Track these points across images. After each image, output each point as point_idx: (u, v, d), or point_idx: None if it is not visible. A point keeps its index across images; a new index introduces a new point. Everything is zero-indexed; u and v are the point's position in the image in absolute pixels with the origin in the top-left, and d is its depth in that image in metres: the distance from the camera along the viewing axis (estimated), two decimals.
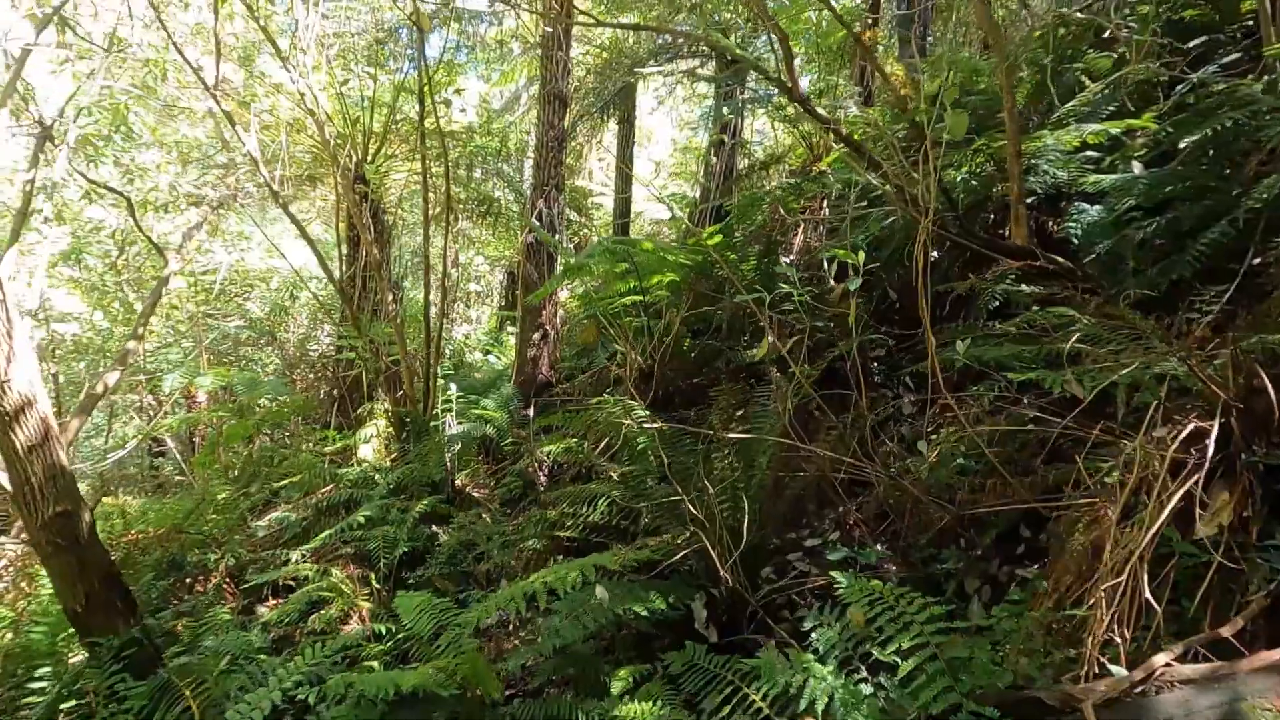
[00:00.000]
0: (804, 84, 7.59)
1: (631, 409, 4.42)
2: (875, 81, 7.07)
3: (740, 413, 3.55)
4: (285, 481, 5.31)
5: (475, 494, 5.96)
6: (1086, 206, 3.47)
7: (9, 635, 3.24)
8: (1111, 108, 3.82)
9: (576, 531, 3.52)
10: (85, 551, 2.83)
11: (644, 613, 2.51)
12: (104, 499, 4.82)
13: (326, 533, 3.87)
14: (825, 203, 6.30)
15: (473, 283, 14.56)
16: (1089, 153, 3.65)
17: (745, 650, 2.57)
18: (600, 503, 3.64)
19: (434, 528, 4.35)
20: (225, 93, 6.73)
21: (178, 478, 8.39)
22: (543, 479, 4.89)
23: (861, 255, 2.79)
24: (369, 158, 7.23)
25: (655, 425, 2.78)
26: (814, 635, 2.26)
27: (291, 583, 3.78)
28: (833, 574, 2.32)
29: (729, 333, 5.47)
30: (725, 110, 6.65)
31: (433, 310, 6.19)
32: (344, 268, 8.21)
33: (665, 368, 5.05)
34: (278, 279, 9.82)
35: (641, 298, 4.56)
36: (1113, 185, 3.17)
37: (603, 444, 4.71)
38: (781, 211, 6.10)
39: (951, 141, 3.11)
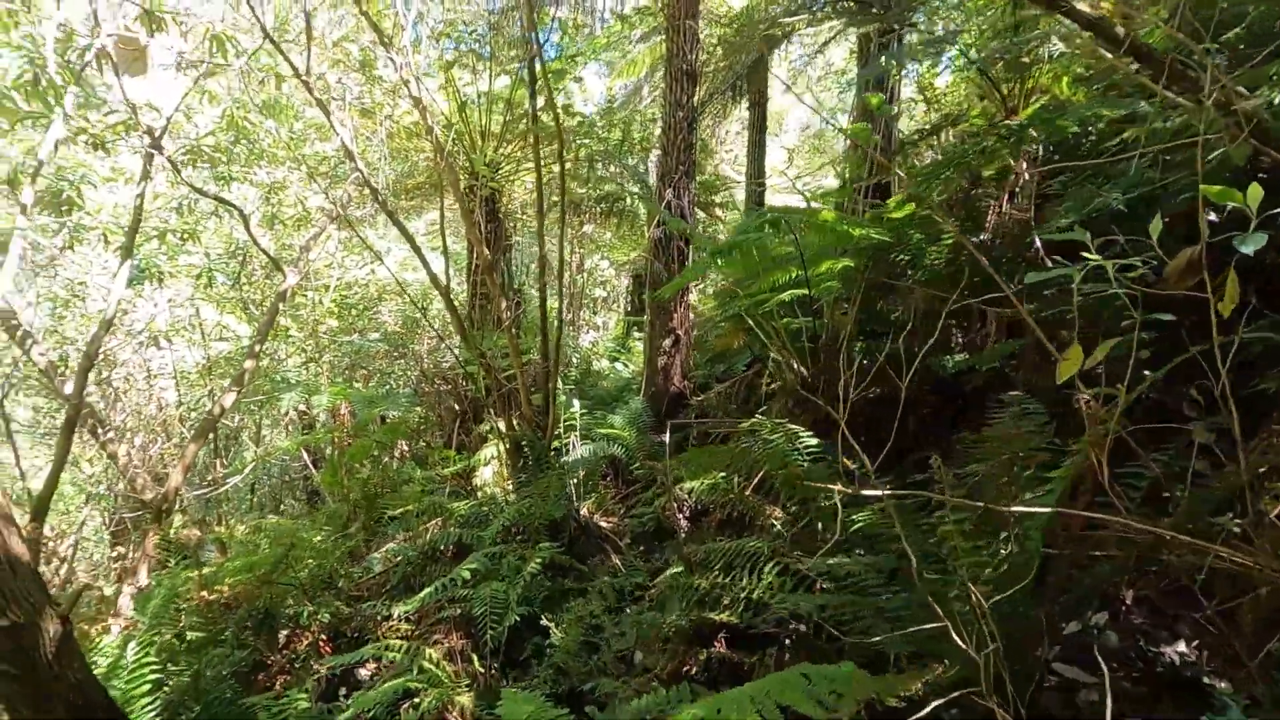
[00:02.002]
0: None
1: (795, 435, 3.43)
2: None
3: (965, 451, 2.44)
4: (398, 511, 4.80)
5: (602, 524, 5.18)
6: None
7: None
8: None
9: (736, 614, 2.57)
10: (49, 678, 2.00)
11: None
12: (215, 528, 4.57)
13: (427, 591, 3.20)
14: (1025, 165, 4.95)
15: (598, 288, 14.07)
16: None
17: None
18: (766, 570, 2.66)
19: (555, 580, 3.57)
20: (348, 102, 6.48)
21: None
22: (683, 522, 3.98)
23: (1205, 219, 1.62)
24: (485, 157, 6.71)
25: (872, 492, 1.74)
26: None
27: (392, 643, 3.14)
28: None
29: (916, 333, 4.29)
30: (884, 60, 5.42)
31: (553, 318, 5.51)
32: (469, 276, 7.85)
33: (832, 379, 3.98)
34: (414, 290, 9.74)
35: (806, 291, 3.53)
36: None
37: (757, 477, 3.73)
38: (972, 179, 4.82)
39: None
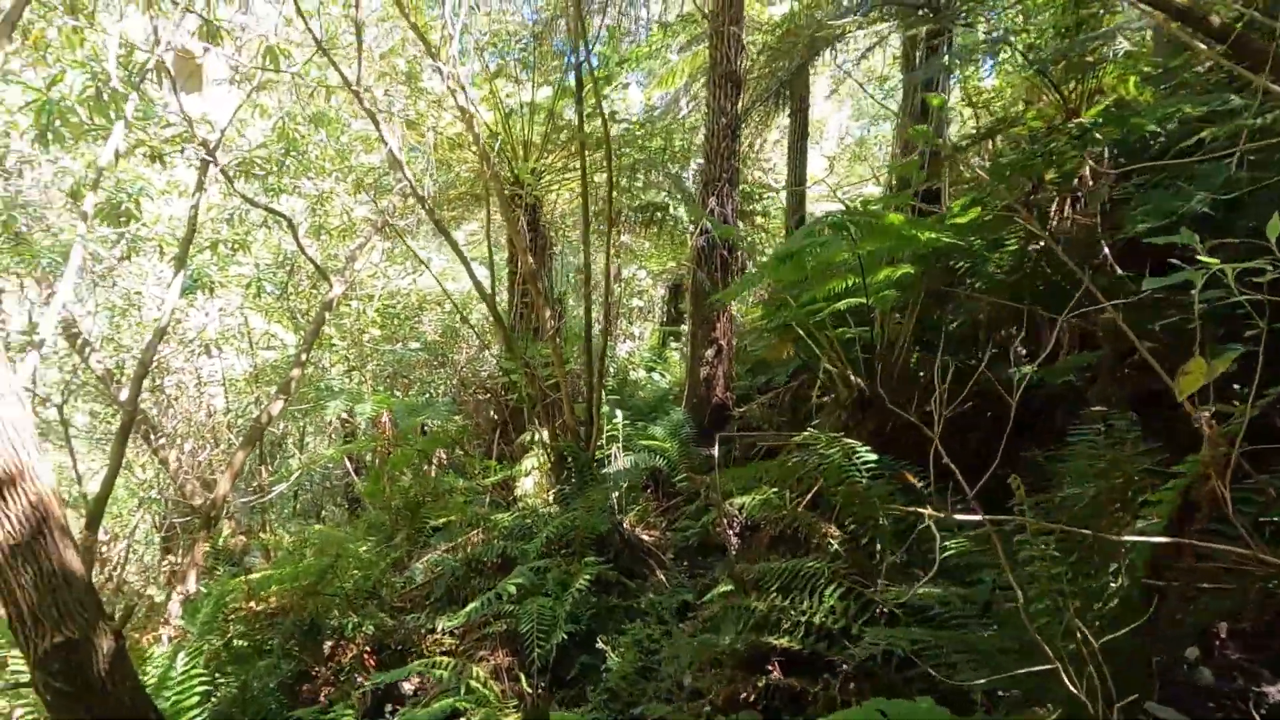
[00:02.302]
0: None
1: (852, 449, 3.28)
2: None
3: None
4: (440, 521, 4.77)
5: (645, 537, 5.08)
6: None
7: None
8: None
9: (797, 639, 2.43)
10: (101, 697, 1.95)
11: None
12: (259, 534, 4.60)
13: (472, 606, 3.13)
14: (1088, 167, 4.73)
15: (635, 298, 14.01)
16: None
17: None
18: (828, 593, 2.53)
19: (601, 596, 3.47)
20: (394, 114, 6.56)
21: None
22: (733, 539, 3.85)
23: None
24: (528, 166, 6.72)
25: (971, 516, 1.60)
26: None
27: (439, 660, 3.08)
28: None
29: (976, 343, 4.11)
30: (945, 59, 5.24)
31: (596, 328, 5.46)
32: (510, 285, 7.86)
33: (890, 391, 3.81)
34: (453, 300, 9.80)
35: (863, 300, 3.39)
36: None
37: (810, 494, 3.59)
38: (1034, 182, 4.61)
39: None
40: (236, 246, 6.09)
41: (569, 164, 7.90)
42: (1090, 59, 5.13)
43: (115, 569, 5.92)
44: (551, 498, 5.22)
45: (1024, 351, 4.63)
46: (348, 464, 8.52)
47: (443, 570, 3.96)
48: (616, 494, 4.73)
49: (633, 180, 8.37)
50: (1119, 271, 3.20)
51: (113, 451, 4.13)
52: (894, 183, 8.83)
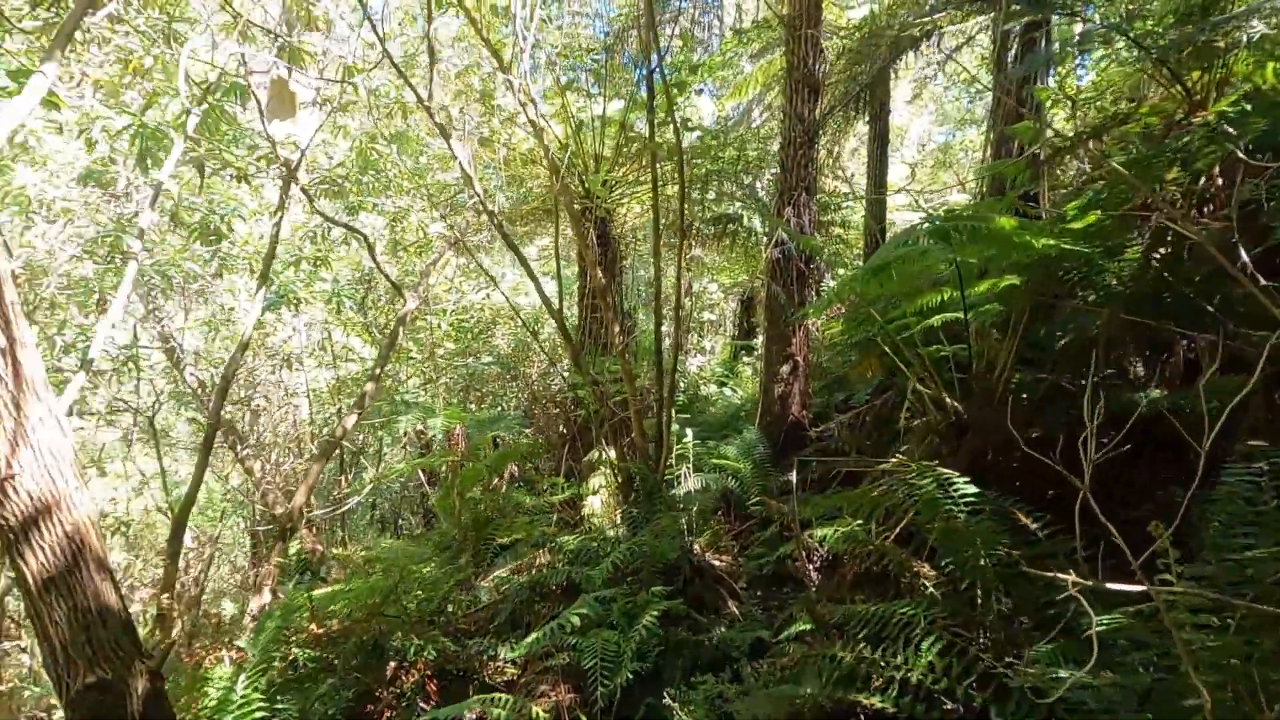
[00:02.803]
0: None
1: (948, 480, 2.96)
2: None
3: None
4: (508, 540, 4.68)
5: (716, 563, 4.83)
6: None
7: None
8: None
9: (890, 699, 2.15)
10: None
11: None
12: (335, 547, 4.65)
13: (534, 636, 2.99)
14: (1219, 169, 4.22)
15: (707, 311, 13.79)
16: None
17: None
18: (925, 647, 2.23)
19: (668, 629, 3.26)
20: (468, 132, 6.64)
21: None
22: (812, 572, 3.56)
23: None
24: (599, 179, 6.65)
25: (1133, 587, 1.31)
26: None
27: (498, 696, 2.94)
28: None
29: (1086, 363, 3.68)
30: (1048, 51, 4.80)
31: (666, 343, 5.28)
32: (581, 300, 7.81)
33: (989, 415, 3.45)
34: (526, 314, 9.89)
35: (960, 315, 3.07)
36: None
37: (899, 526, 3.27)
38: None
39: None
40: (318, 263, 6.28)
41: (640, 176, 7.80)
42: (1220, 44, 4.58)
43: (199, 575, 6.15)
44: (619, 518, 5.06)
45: (1144, 372, 4.14)
46: (422, 475, 8.66)
47: (509, 591, 3.86)
48: (686, 517, 4.52)
49: (704, 192, 8.19)
50: (1261, 281, 2.77)
51: (197, 463, 4.25)
52: (984, 189, 8.28)
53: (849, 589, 3.20)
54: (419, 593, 3.55)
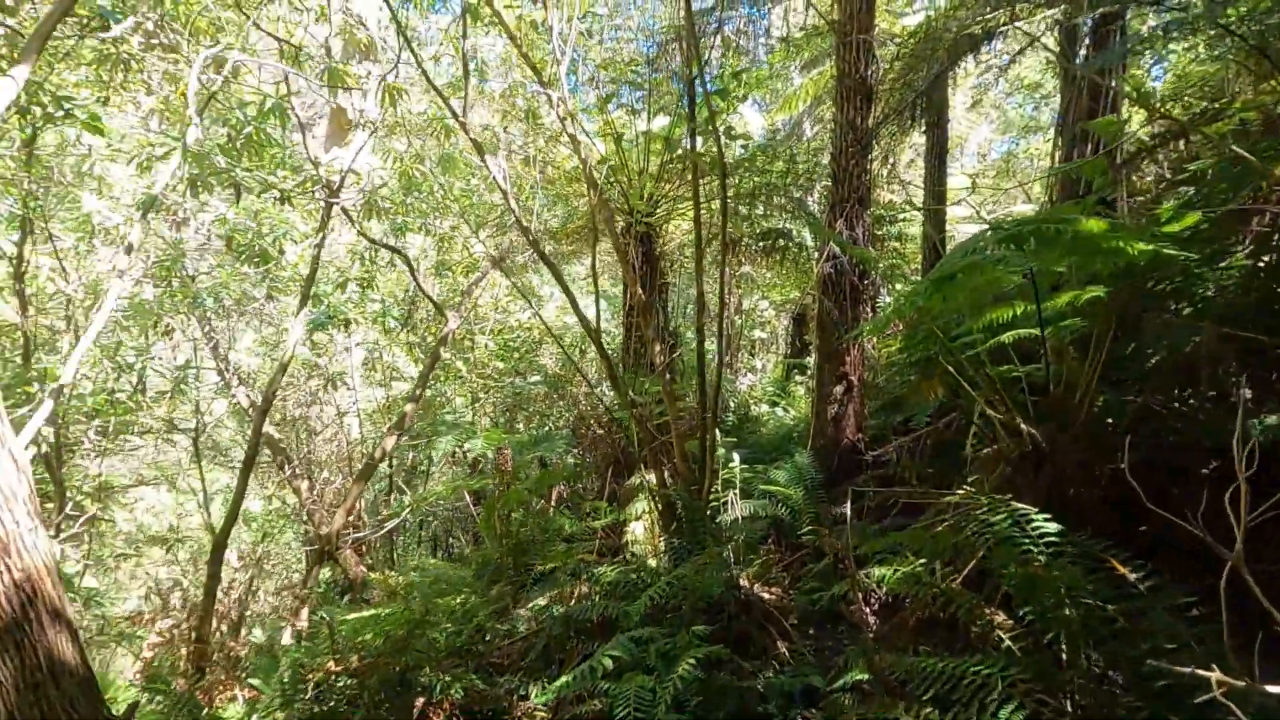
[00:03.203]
0: None
1: (1024, 517, 2.64)
2: None
3: None
4: (548, 567, 4.51)
5: (765, 595, 4.53)
6: None
7: None
8: None
9: None
10: None
11: None
12: (377, 570, 4.56)
13: (563, 680, 2.78)
14: None
15: (757, 329, 13.46)
16: None
17: None
18: (1004, 715, 1.93)
19: (710, 673, 3.01)
20: (512, 151, 6.63)
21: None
22: (870, 617, 3.25)
23: None
24: (641, 193, 6.51)
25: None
26: None
27: None
28: None
29: (1188, 383, 3.28)
30: (1146, 36, 4.40)
31: (711, 361, 5.06)
32: (625, 318, 7.68)
33: (1070, 443, 3.10)
34: (574, 333, 9.81)
35: (1036, 331, 2.75)
36: None
37: (968, 566, 2.94)
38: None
39: None
40: (364, 284, 6.33)
41: (685, 192, 7.64)
42: None
43: (241, 596, 6.20)
44: (661, 546, 4.82)
45: (1247, 396, 3.68)
46: (467, 496, 8.61)
47: (544, 623, 3.67)
48: (731, 547, 4.25)
49: (753, 207, 7.97)
50: None
51: (237, 483, 4.24)
52: (1053, 196, 7.78)
53: (910, 636, 2.88)
54: (447, 625, 3.40)
